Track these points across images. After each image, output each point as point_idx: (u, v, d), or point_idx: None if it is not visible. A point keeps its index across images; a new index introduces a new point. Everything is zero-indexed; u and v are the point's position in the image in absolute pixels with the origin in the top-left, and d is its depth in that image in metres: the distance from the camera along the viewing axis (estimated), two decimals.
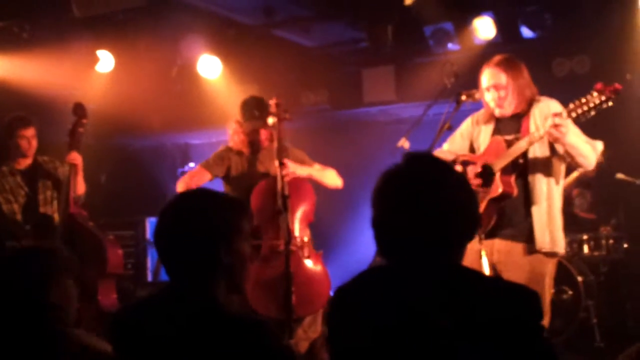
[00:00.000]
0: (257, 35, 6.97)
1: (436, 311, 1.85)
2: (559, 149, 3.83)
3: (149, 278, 8.15)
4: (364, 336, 1.93)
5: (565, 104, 3.84)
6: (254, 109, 4.87)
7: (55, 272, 2.56)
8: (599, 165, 6.08)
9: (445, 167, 2.03)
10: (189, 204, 2.26)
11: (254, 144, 4.99)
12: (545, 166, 3.90)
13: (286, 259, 4.45)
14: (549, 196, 3.89)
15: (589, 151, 3.79)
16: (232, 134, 5.00)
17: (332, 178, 5.01)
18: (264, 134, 4.93)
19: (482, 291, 1.90)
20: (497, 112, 4.02)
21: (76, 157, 5.17)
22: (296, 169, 4.77)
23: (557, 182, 3.94)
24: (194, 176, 4.98)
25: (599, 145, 3.85)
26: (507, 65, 3.97)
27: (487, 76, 4.00)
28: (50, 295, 2.52)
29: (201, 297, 2.15)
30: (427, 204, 1.91)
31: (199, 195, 2.33)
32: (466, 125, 4.21)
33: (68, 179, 5.16)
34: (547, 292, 3.90)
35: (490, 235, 3.93)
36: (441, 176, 1.97)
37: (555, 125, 3.63)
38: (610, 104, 3.60)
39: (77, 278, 2.65)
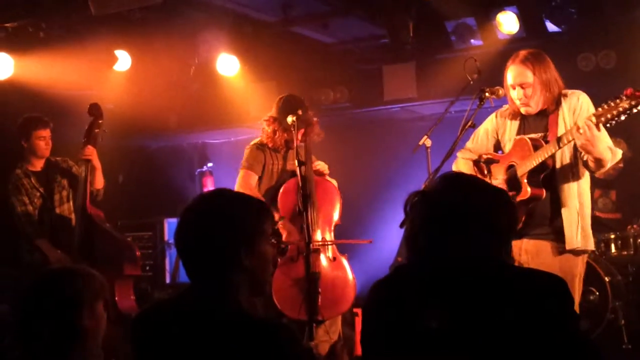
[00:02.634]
0: (275, 32, 6.90)
1: (474, 309, 1.95)
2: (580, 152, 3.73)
3: (167, 280, 8.15)
4: (406, 331, 2.01)
5: (591, 99, 3.72)
6: (296, 107, 4.82)
7: (90, 297, 2.53)
8: (625, 161, 5.96)
9: (476, 179, 2.19)
10: (210, 205, 2.24)
11: (289, 143, 4.94)
12: (574, 166, 3.82)
13: (306, 258, 4.48)
14: (579, 194, 3.82)
15: (608, 159, 3.69)
16: (270, 132, 4.92)
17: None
18: (300, 133, 4.88)
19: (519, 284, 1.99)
20: (523, 111, 3.91)
21: (91, 152, 5.15)
22: (324, 168, 4.91)
23: (586, 179, 3.87)
24: (247, 182, 4.84)
25: (619, 154, 3.78)
26: (534, 61, 3.85)
27: (513, 73, 3.88)
28: (84, 320, 2.50)
29: (222, 299, 2.14)
30: (462, 211, 2.02)
31: (220, 196, 2.29)
32: (490, 121, 4.11)
33: (85, 177, 5.15)
34: (577, 293, 3.84)
35: (519, 235, 3.85)
36: (475, 187, 2.10)
37: (583, 145, 3.54)
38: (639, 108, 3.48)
39: (107, 302, 2.62)
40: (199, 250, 2.17)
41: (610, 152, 3.69)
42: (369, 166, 7.94)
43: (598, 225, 6.14)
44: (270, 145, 4.93)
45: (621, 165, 5.99)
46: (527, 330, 1.92)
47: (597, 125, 3.53)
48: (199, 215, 2.21)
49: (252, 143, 5.01)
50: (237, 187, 4.92)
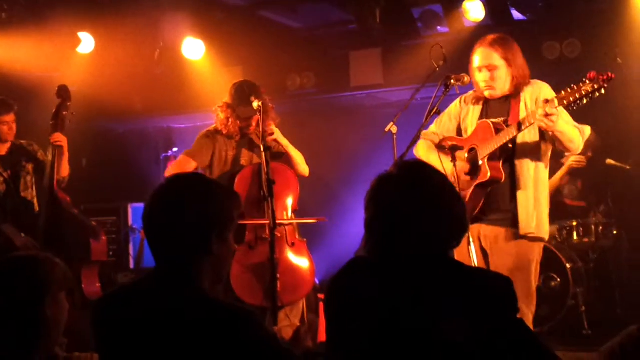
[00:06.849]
0: (242, 16, 6.83)
1: (420, 302, 1.99)
2: (548, 134, 3.77)
3: (131, 265, 8.09)
4: (359, 325, 2.06)
5: (555, 87, 3.77)
6: (250, 94, 4.76)
7: (53, 286, 2.49)
8: (594, 150, 6.04)
9: (433, 173, 2.18)
10: (185, 189, 2.21)
11: (243, 130, 4.90)
12: (533, 151, 3.86)
13: (271, 245, 4.44)
14: (535, 181, 3.86)
15: (576, 136, 3.76)
16: (223, 118, 4.87)
17: (303, 164, 4.99)
18: (254, 120, 4.84)
19: (460, 282, 2.04)
20: (487, 94, 3.95)
21: (61, 138, 5.07)
22: (280, 137, 4.82)
23: (545, 167, 3.92)
24: (181, 168, 4.82)
25: (588, 130, 3.82)
26: (502, 45, 3.89)
27: (480, 56, 3.91)
28: (47, 309, 2.45)
29: (187, 284, 2.12)
30: (416, 207, 2.06)
31: (195, 180, 2.27)
32: (454, 106, 4.15)
33: (52, 162, 5.08)
34: (534, 278, 3.88)
35: (477, 220, 3.91)
36: (429, 182, 2.12)
37: (547, 115, 3.56)
38: (602, 92, 3.53)
39: (71, 291, 2.58)
40: (171, 234, 2.15)
41: (576, 129, 3.74)
42: (335, 152, 7.93)
43: (563, 211, 6.24)
44: (224, 132, 4.89)
45: (590, 154, 6.07)
46: (472, 329, 1.96)
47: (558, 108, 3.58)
48: (173, 198, 2.18)
49: (204, 130, 4.98)
50: (168, 169, 4.93)
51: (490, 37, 3.94)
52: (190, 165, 4.84)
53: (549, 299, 5.66)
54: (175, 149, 8.83)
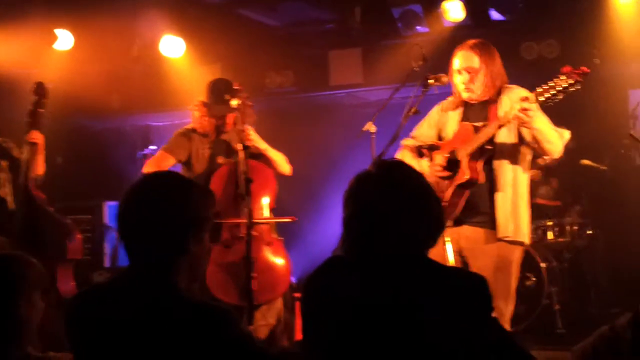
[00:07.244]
0: (221, 14, 6.81)
1: (398, 302, 2.00)
2: (527, 135, 3.80)
3: (107, 264, 8.03)
4: (336, 324, 2.05)
5: (533, 88, 3.80)
6: (224, 92, 4.74)
7: (28, 286, 2.47)
8: (569, 151, 6.08)
9: (411, 172, 2.18)
10: (161, 187, 2.18)
11: (219, 128, 4.88)
12: (511, 154, 3.87)
13: (247, 244, 4.41)
14: (514, 184, 3.87)
15: (556, 138, 3.78)
16: (198, 117, 4.87)
17: (284, 163, 4.97)
18: (230, 118, 4.82)
19: (438, 282, 2.04)
20: (465, 96, 3.96)
21: (38, 136, 5.03)
22: (258, 141, 4.77)
23: (524, 170, 3.93)
24: (158, 163, 4.80)
25: (567, 133, 3.87)
26: (482, 50, 3.93)
27: (460, 58, 3.94)
28: (21, 309, 2.44)
29: (162, 283, 2.11)
30: (393, 206, 2.06)
31: (171, 179, 2.25)
32: (433, 113, 4.16)
33: (27, 160, 5.01)
34: (514, 279, 3.89)
35: (458, 222, 3.91)
36: (407, 181, 2.12)
37: (523, 110, 3.59)
38: (578, 87, 3.58)
39: (46, 290, 2.55)
40: (146, 232, 2.13)
41: (555, 131, 3.78)
42: (313, 151, 7.93)
43: (537, 212, 6.28)
44: (199, 130, 4.88)
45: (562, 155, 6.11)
46: (449, 328, 1.97)
47: (535, 104, 3.61)
48: (150, 196, 2.16)
49: (180, 129, 4.96)
50: (146, 165, 4.90)
51: (471, 41, 3.98)
52: (168, 161, 4.82)
53: (524, 298, 5.68)
54: (152, 147, 8.77)
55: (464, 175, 3.83)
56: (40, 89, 5.16)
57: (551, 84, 3.59)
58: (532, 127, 3.68)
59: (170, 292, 2.10)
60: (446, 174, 3.92)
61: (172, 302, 2.08)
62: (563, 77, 3.57)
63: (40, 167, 5.13)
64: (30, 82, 5.23)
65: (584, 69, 3.58)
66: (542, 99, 3.60)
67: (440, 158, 3.97)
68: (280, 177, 4.94)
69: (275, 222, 4.86)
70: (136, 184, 2.20)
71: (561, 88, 3.57)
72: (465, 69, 3.90)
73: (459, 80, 3.95)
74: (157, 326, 2.04)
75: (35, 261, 2.53)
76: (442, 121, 4.09)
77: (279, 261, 4.73)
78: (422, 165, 3.97)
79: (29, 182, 5.02)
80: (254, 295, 4.39)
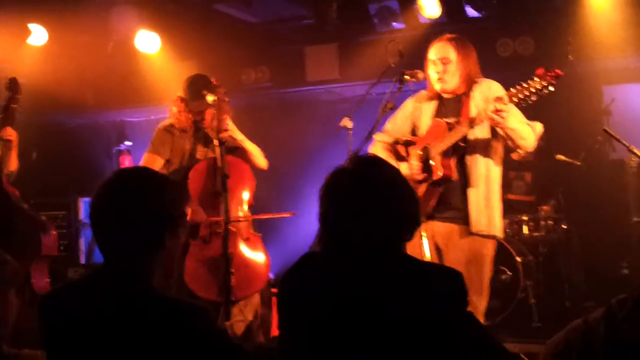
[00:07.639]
0: (196, 10, 6.77)
1: (374, 297, 2.01)
2: (499, 131, 3.83)
3: (82, 260, 7.98)
4: (312, 319, 2.07)
5: (508, 84, 3.83)
6: (202, 88, 4.74)
7: (2, 284, 2.46)
8: (539, 147, 6.13)
9: (387, 168, 2.19)
10: (136, 183, 2.16)
11: (197, 123, 4.88)
12: (484, 149, 3.91)
13: (224, 240, 4.41)
14: (487, 179, 3.91)
15: (529, 133, 3.82)
16: (176, 112, 4.87)
17: (260, 156, 4.97)
18: (208, 114, 4.82)
19: (414, 277, 2.05)
20: (438, 87, 4.00)
21: (11, 133, 4.98)
22: (235, 131, 4.77)
23: (497, 165, 3.97)
24: (151, 166, 4.73)
25: (539, 127, 3.89)
26: (458, 43, 4.00)
27: (436, 49, 4.00)
28: None
29: (136, 279, 2.09)
30: (369, 202, 2.07)
31: (145, 174, 2.24)
32: (407, 106, 4.18)
33: (1, 157, 4.97)
34: (487, 273, 3.95)
35: (430, 217, 3.95)
36: (383, 177, 2.13)
37: (497, 111, 3.62)
38: (551, 89, 3.62)
39: (20, 288, 2.52)
40: (119, 227, 2.10)
41: (527, 126, 3.81)
42: (290, 146, 7.91)
43: (509, 207, 6.33)
44: (177, 125, 4.87)
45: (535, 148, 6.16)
46: (423, 323, 1.98)
47: (508, 104, 3.64)
48: (122, 190, 2.14)
49: (160, 124, 4.95)
50: None
51: (448, 34, 4.06)
52: (158, 163, 4.81)
53: (499, 291, 5.74)
54: (128, 143, 8.72)
55: (437, 173, 3.87)
56: (13, 85, 5.12)
57: (525, 85, 3.63)
58: (506, 127, 3.72)
59: (144, 288, 2.09)
60: (424, 176, 3.94)
61: (145, 299, 2.07)
62: (537, 79, 3.61)
63: (13, 163, 5.09)
64: (3, 78, 5.18)
65: (558, 71, 3.62)
66: (515, 100, 3.64)
67: (415, 157, 4.00)
68: (257, 172, 4.94)
69: (272, 218, 4.86)
70: (108, 179, 2.17)
71: (534, 90, 3.61)
72: (440, 59, 3.96)
73: (433, 70, 3.99)
74: (130, 323, 2.03)
75: (9, 258, 2.50)
76: (416, 114, 4.13)
77: (257, 257, 4.73)
78: (400, 168, 4.00)
79: (2, 178, 4.97)
80: (232, 291, 4.39)
